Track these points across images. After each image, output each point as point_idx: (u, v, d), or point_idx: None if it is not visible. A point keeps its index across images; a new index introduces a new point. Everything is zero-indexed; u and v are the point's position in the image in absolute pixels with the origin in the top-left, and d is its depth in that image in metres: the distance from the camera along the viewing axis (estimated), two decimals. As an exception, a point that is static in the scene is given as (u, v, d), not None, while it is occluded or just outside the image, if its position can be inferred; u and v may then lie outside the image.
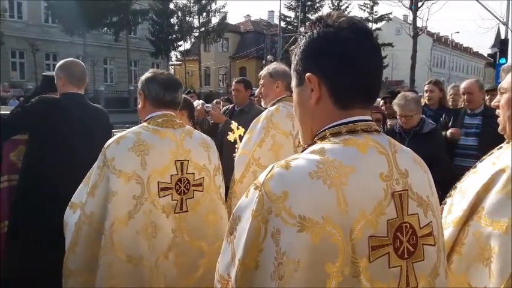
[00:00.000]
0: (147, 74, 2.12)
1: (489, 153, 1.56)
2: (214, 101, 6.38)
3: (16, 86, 24.25)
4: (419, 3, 23.65)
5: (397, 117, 3.87)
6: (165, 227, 1.96)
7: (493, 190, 1.33)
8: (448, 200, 1.57)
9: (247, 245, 0.93)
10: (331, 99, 1.02)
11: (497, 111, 1.50)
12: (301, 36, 1.08)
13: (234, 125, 3.28)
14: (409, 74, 25.89)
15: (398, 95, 3.97)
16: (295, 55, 1.08)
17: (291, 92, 3.21)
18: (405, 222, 0.99)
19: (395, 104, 3.79)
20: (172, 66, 45.24)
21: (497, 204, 1.30)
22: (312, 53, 1.03)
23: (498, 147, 1.54)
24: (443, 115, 4.60)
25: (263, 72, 3.14)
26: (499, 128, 1.52)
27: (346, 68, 1.00)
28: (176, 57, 41.02)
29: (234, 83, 4.77)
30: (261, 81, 3.14)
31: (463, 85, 4.45)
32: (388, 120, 4.70)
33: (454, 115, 4.54)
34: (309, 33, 1.04)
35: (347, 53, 0.99)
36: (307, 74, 1.02)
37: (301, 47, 1.05)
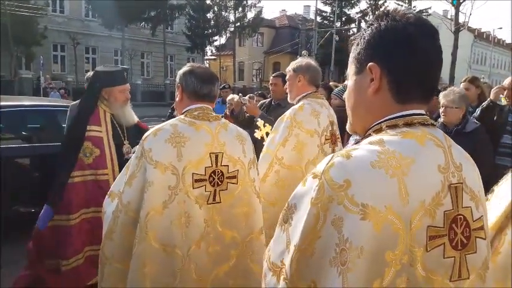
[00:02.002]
0: (185, 68, 2.16)
1: None
2: (248, 95, 6.41)
3: (57, 79, 25.21)
4: None
5: (440, 111, 3.73)
6: (198, 217, 1.99)
7: None
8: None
9: (304, 232, 0.94)
10: (390, 92, 1.03)
11: None
12: (366, 27, 1.09)
13: (260, 122, 3.28)
14: (448, 71, 25.05)
15: (449, 88, 3.89)
16: (358, 44, 1.09)
17: (316, 87, 3.19)
18: (460, 215, 0.99)
19: (442, 94, 3.70)
20: (207, 61, 45.72)
21: None
22: (378, 44, 1.04)
23: None
24: (481, 109, 4.45)
25: (288, 67, 3.12)
26: None
27: (409, 63, 1.01)
28: (211, 51, 41.52)
29: (271, 77, 4.74)
30: (287, 77, 3.13)
31: (506, 81, 4.30)
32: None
33: (498, 112, 4.39)
34: (375, 25, 1.05)
35: (412, 48, 1.00)
36: (370, 64, 1.03)
37: (366, 37, 1.06)
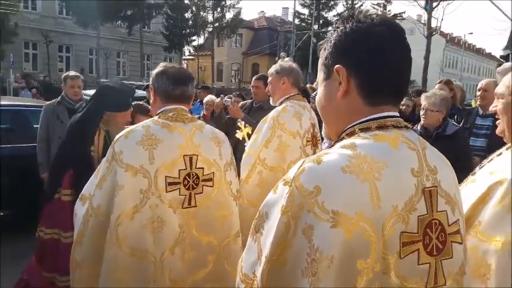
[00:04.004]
0: (158, 68, 2.10)
1: (489, 159, 1.52)
2: (227, 96, 6.37)
3: (28, 77, 24.48)
4: (434, 4, 23.31)
5: (420, 113, 3.73)
6: (172, 221, 1.94)
7: (490, 204, 1.31)
8: None
9: (275, 242, 0.91)
10: (359, 94, 1.01)
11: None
12: (332, 31, 1.07)
13: (241, 123, 3.27)
14: (421, 73, 25.58)
15: (431, 90, 3.89)
16: (325, 49, 1.07)
17: (298, 89, 3.20)
18: (434, 219, 0.98)
19: (423, 95, 3.71)
20: (185, 61, 45.38)
21: (493, 219, 1.29)
22: (344, 47, 1.02)
23: (498, 152, 1.50)
24: (455, 115, 4.55)
25: (270, 70, 3.13)
26: (497, 130, 1.52)
27: (377, 64, 0.99)
28: (189, 52, 41.15)
29: (253, 79, 4.72)
30: (269, 79, 3.12)
31: (481, 82, 4.39)
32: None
33: (465, 115, 4.50)
34: (341, 28, 1.04)
35: (378, 49, 0.99)
36: (336, 66, 1.01)
37: (332, 41, 1.05)
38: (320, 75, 1.10)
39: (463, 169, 3.20)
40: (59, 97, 4.60)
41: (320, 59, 1.10)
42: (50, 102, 4.67)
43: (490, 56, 68.57)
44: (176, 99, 2.05)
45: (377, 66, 0.99)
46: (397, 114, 1.03)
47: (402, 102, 6.14)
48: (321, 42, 1.11)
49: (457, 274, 1.03)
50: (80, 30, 28.40)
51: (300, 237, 0.87)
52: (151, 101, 2.13)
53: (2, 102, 5.38)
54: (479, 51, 67.78)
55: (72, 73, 4.83)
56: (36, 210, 3.33)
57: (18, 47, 27.44)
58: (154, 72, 2.09)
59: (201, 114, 6.40)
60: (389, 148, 0.95)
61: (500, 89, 1.48)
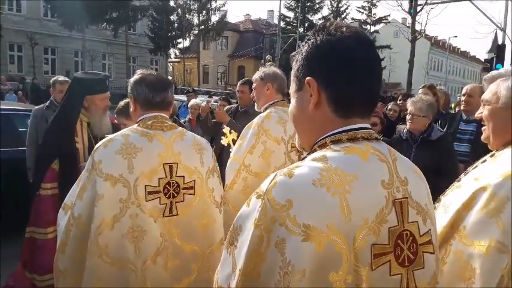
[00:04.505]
0: (135, 76, 2.09)
1: (474, 166, 1.55)
2: (211, 100, 6.35)
3: (13, 80, 24.08)
4: (419, 8, 23.59)
5: (406, 117, 3.76)
6: (153, 230, 1.93)
7: (474, 209, 1.33)
8: None
9: (249, 255, 0.92)
10: (330, 106, 1.02)
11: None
12: (304, 43, 1.09)
13: (226, 129, 3.28)
14: (406, 76, 25.90)
15: (417, 95, 3.91)
16: (297, 61, 1.09)
17: (283, 95, 3.23)
18: (406, 230, 0.99)
19: (410, 100, 3.75)
20: (171, 63, 45.20)
21: (477, 224, 1.31)
22: (314, 59, 1.04)
23: (482, 159, 1.54)
24: (439, 120, 4.58)
25: (255, 76, 3.15)
26: (482, 137, 1.56)
27: (346, 77, 1.00)
28: (175, 54, 41.07)
29: (238, 84, 4.73)
30: (253, 85, 3.14)
31: (466, 87, 4.43)
32: (398, 126, 4.63)
33: (449, 120, 4.55)
34: (312, 40, 1.05)
35: (348, 62, 1.00)
36: (307, 78, 1.02)
37: (303, 53, 1.06)
38: (292, 86, 1.11)
39: (449, 174, 3.28)
40: (48, 102, 4.58)
41: (292, 70, 1.11)
42: (39, 106, 4.64)
43: (474, 59, 69.68)
44: (156, 106, 2.04)
45: (346, 79, 1.00)
46: (368, 126, 1.05)
47: (389, 107, 6.22)
48: (293, 54, 1.13)
49: (429, 284, 1.04)
50: (65, 33, 28.07)
51: (273, 251, 0.88)
52: (131, 110, 2.12)
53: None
54: (464, 54, 68.76)
55: (61, 78, 4.84)
56: (24, 213, 3.28)
57: (3, 49, 27.01)
58: (132, 80, 2.09)
59: (187, 119, 6.39)
60: (360, 160, 0.97)
61: (486, 95, 1.51)
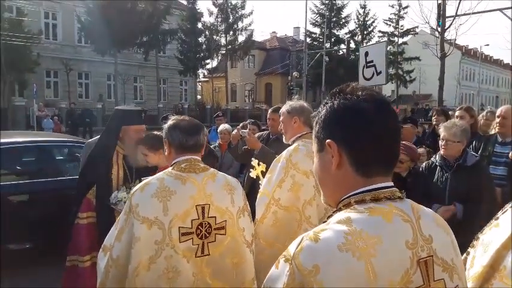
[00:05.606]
0: (169, 122, 2.20)
1: (511, 204, 1.54)
2: (240, 125, 6.41)
3: (49, 105, 25.15)
4: (447, 23, 22.97)
5: (440, 143, 3.67)
6: (186, 271, 2.00)
7: None
8: (471, 251, 1.55)
9: None
10: (352, 167, 1.06)
11: None
12: (322, 105, 1.14)
13: (254, 161, 3.32)
14: (437, 87, 25.30)
15: (449, 120, 3.88)
16: (317, 123, 1.14)
17: (310, 127, 3.25)
18: None
19: (443, 126, 3.69)
20: (200, 83, 46.02)
21: None
22: (332, 122, 1.09)
23: None
24: (474, 141, 4.49)
25: (282, 109, 3.19)
26: None
27: (365, 138, 1.04)
28: (203, 74, 41.75)
29: (269, 112, 4.72)
30: (281, 118, 3.19)
31: (500, 108, 4.36)
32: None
33: (484, 142, 4.43)
34: (329, 104, 1.10)
35: (364, 125, 1.04)
36: (328, 141, 1.07)
37: (322, 116, 1.11)
38: (314, 146, 1.16)
39: (487, 200, 3.19)
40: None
41: (313, 130, 1.16)
42: (92, 139, 4.88)
43: (508, 67, 67.49)
44: (190, 150, 2.14)
45: (365, 141, 1.04)
46: (390, 184, 1.08)
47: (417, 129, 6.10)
48: (313, 114, 1.18)
49: None
50: (98, 58, 29.14)
51: None
52: (165, 153, 2.22)
53: (27, 139, 5.61)
54: (497, 62, 66.80)
55: None
56: (62, 242, 3.46)
57: (40, 75, 28.32)
58: (166, 126, 2.19)
59: (217, 143, 6.48)
60: (383, 222, 1.00)
61: None
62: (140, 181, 3.10)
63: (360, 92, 1.08)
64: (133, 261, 1.93)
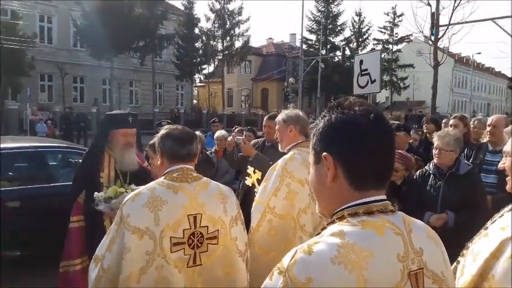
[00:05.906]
0: (162, 131, 2.19)
1: (500, 214, 1.56)
2: (236, 130, 6.41)
3: (44, 109, 24.98)
4: (440, 33, 23.27)
5: (433, 152, 3.74)
6: (178, 281, 1.98)
7: (501, 259, 1.34)
8: (461, 260, 1.57)
9: None
10: (346, 180, 1.08)
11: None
12: (320, 118, 1.16)
13: (250, 169, 3.33)
14: (430, 93, 25.50)
15: (442, 129, 3.90)
16: (314, 135, 1.16)
17: (306, 136, 3.27)
18: None
19: (436, 135, 3.75)
20: (196, 88, 46.04)
21: (505, 273, 1.31)
22: (328, 136, 1.11)
23: (509, 208, 1.54)
24: (466, 149, 4.55)
25: (278, 118, 3.21)
26: (507, 187, 1.58)
27: (360, 153, 1.06)
28: (200, 79, 41.79)
29: (265, 119, 4.74)
30: (277, 127, 3.21)
31: (491, 117, 4.42)
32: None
33: (476, 150, 4.50)
34: (327, 117, 1.12)
35: (360, 139, 1.07)
36: (324, 154, 1.09)
37: (320, 129, 1.13)
38: (311, 157, 1.18)
39: (479, 208, 3.22)
40: None
41: (311, 142, 1.18)
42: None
43: (500, 75, 68.22)
44: (182, 159, 2.12)
45: (359, 155, 1.06)
46: (383, 197, 1.10)
47: (411, 136, 6.16)
48: (311, 126, 1.21)
49: None
50: (93, 62, 29.05)
51: None
52: (158, 163, 2.21)
53: (19, 144, 5.57)
54: (489, 70, 67.44)
55: None
56: (56, 249, 3.46)
57: (35, 79, 28.10)
58: (158, 135, 2.18)
59: (213, 150, 6.48)
60: (375, 236, 1.02)
61: (508, 147, 1.56)
62: (135, 184, 3.14)
63: (357, 107, 1.10)
64: (124, 272, 1.91)
